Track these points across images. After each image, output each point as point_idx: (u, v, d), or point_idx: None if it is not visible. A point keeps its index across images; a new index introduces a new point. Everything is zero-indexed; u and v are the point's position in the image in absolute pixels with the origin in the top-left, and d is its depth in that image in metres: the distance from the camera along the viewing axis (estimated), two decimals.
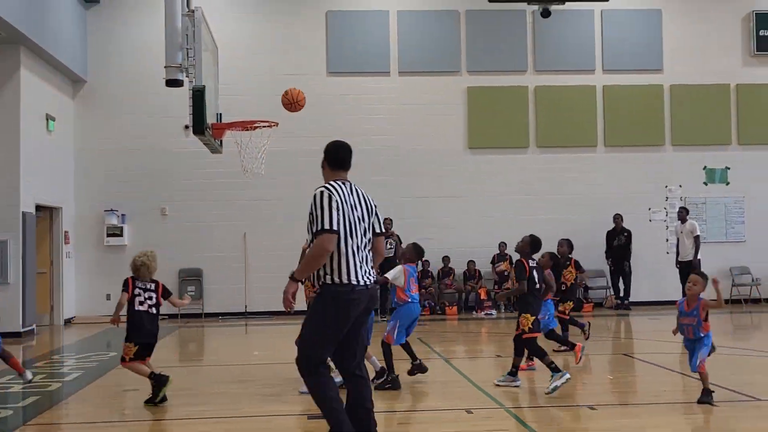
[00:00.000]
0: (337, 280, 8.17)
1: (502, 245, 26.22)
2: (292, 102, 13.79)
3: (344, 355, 8.49)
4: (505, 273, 25.86)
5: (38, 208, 23.72)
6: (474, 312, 26.46)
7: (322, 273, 8.22)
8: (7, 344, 20.34)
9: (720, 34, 29.03)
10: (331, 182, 8.45)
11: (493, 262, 26.84)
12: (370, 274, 8.39)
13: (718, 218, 28.66)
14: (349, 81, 27.85)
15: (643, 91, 28.57)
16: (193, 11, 15.93)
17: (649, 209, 28.45)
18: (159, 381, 11.61)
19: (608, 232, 27.44)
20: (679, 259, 26.19)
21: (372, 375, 12.97)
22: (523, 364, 14.12)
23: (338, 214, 8.13)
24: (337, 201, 8.17)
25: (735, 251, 28.53)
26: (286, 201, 26.23)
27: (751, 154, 28.71)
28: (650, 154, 28.54)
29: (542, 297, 13.86)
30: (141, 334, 11.77)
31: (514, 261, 14.36)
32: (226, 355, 18.38)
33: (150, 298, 11.85)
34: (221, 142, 18.14)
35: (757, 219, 28.58)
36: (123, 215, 26.89)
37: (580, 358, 14.45)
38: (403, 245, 24.93)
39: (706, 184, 28.73)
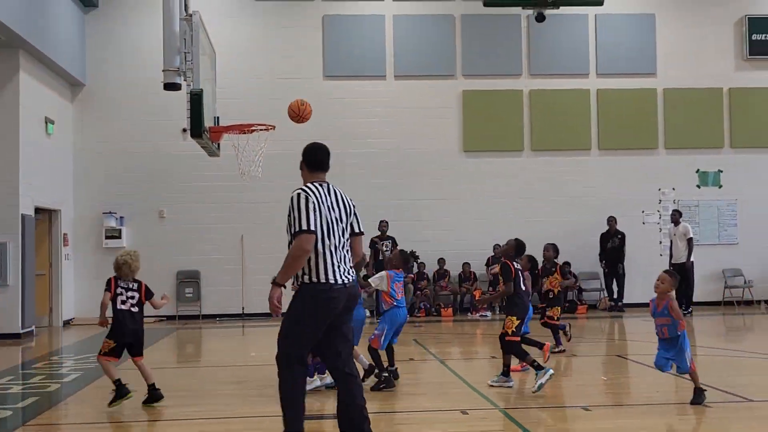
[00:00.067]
0: (315, 279, 8.34)
1: (497, 247, 26.29)
2: (298, 115, 13.86)
3: (327, 354, 8.67)
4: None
5: (37, 210, 23.84)
6: (469, 314, 26.54)
7: (300, 273, 8.38)
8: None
9: (713, 39, 29.17)
10: (308, 184, 8.63)
11: (488, 264, 26.94)
12: (348, 273, 8.54)
13: (710, 221, 28.80)
14: (345, 84, 27.99)
15: (636, 95, 28.72)
16: (191, 15, 15.96)
17: (643, 212, 28.59)
18: (120, 392, 11.54)
19: (602, 234, 27.57)
20: (672, 262, 26.26)
21: (361, 374, 13.22)
22: (517, 365, 14.28)
23: (315, 215, 8.31)
24: (314, 202, 8.36)
25: (727, 254, 28.68)
26: (283, 203, 25.90)
27: (744, 158, 28.87)
28: (644, 157, 28.69)
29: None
30: (121, 332, 11.78)
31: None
32: (224, 357, 18.47)
33: (132, 297, 11.90)
34: (219, 145, 18.19)
35: (750, 222, 28.74)
36: (121, 217, 27.01)
37: (548, 357, 14.60)
38: (399, 247, 25.19)
39: (699, 187, 28.87)
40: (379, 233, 26.26)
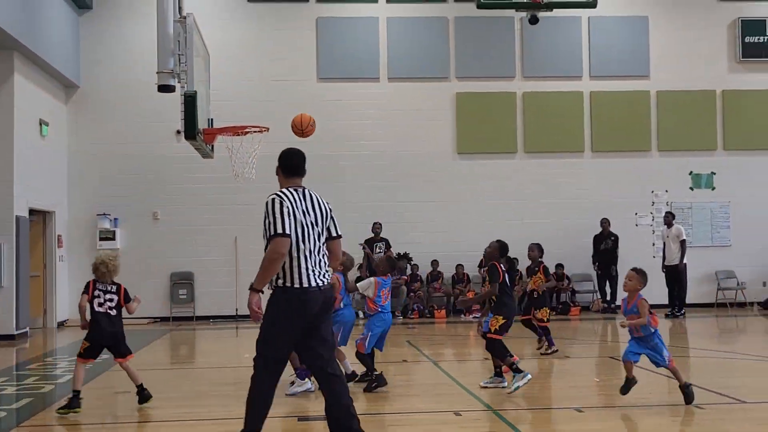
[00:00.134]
0: (289, 283, 8.37)
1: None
2: (302, 130, 13.89)
3: (308, 356, 8.71)
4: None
5: (32, 212, 23.86)
6: (462, 315, 26.54)
7: (275, 277, 8.41)
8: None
9: (706, 41, 29.25)
10: (283, 189, 8.65)
11: (480, 266, 26.92)
12: (324, 277, 8.56)
13: (703, 223, 28.87)
14: (339, 86, 28.02)
15: (629, 97, 28.79)
16: (185, 17, 15.99)
17: (636, 214, 28.65)
18: (72, 403, 11.48)
19: (595, 236, 27.63)
20: (666, 264, 26.33)
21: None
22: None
23: (290, 220, 8.33)
24: (288, 207, 8.37)
25: (720, 256, 28.75)
26: None
27: (737, 160, 28.94)
28: (637, 159, 28.75)
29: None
30: (97, 334, 11.75)
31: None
32: (217, 358, 18.50)
33: (111, 300, 11.82)
34: (212, 147, 18.21)
35: (743, 224, 28.81)
36: (115, 219, 27.03)
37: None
38: (392, 249, 25.23)
39: (692, 189, 28.94)
40: (372, 235, 26.30)
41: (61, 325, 25.62)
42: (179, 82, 15.80)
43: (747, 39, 29.18)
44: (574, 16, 28.53)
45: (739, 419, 10.87)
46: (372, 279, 13.52)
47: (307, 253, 8.44)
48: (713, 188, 28.99)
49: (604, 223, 27.52)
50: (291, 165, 8.93)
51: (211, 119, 18.24)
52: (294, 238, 8.36)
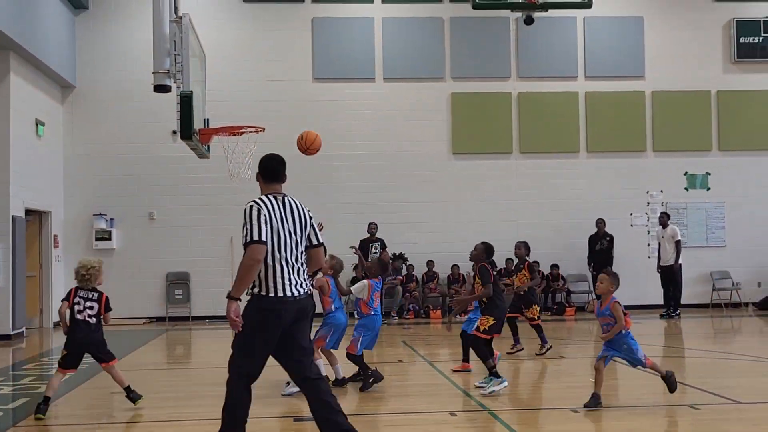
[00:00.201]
0: (264, 292, 8.36)
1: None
2: (306, 148, 13.91)
3: (287, 364, 8.72)
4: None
5: (28, 212, 23.86)
6: (458, 316, 26.53)
7: (251, 285, 8.42)
8: None
9: (701, 42, 29.29)
10: (262, 196, 8.63)
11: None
12: (301, 286, 8.54)
13: (698, 223, 28.91)
14: (334, 87, 28.04)
15: (625, 98, 28.83)
16: (180, 17, 15.98)
17: (631, 214, 28.69)
18: (38, 407, 11.38)
19: (590, 236, 27.64)
20: (661, 264, 26.37)
21: (332, 380, 13.35)
22: (458, 365, 14.58)
23: (266, 227, 8.32)
24: (265, 215, 8.37)
25: (715, 256, 28.80)
26: None
27: (732, 160, 28.99)
28: (632, 159, 28.79)
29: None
30: (75, 342, 11.67)
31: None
32: (213, 358, 18.47)
33: (91, 308, 11.67)
34: (208, 147, 18.22)
35: (737, 224, 28.86)
36: (111, 219, 27.04)
37: (458, 371, 14.77)
38: (388, 249, 25.24)
39: (687, 189, 28.98)
40: (368, 235, 26.31)
41: (57, 325, 25.56)
42: (175, 82, 15.79)
43: (742, 39, 29.22)
44: (570, 16, 28.57)
45: (734, 419, 10.89)
46: (366, 282, 13.57)
47: (284, 262, 8.43)
48: (708, 189, 29.02)
49: (600, 223, 27.54)
50: (270, 171, 8.91)
51: (207, 119, 18.25)
52: (270, 246, 8.36)
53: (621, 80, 28.89)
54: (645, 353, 11.59)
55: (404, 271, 27.29)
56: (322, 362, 13.37)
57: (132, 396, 11.86)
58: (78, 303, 11.67)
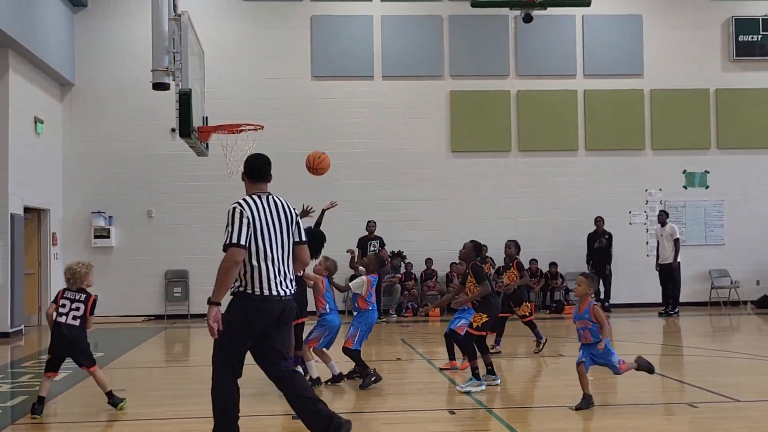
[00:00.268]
0: (249, 290, 8.44)
1: (483, 248, 26.24)
2: (313, 167, 13.92)
3: (262, 364, 8.76)
4: (488, 275, 26.01)
5: (26, 209, 23.88)
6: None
7: (236, 283, 8.49)
8: None
9: (700, 40, 29.30)
10: (246, 197, 8.72)
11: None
12: (286, 287, 8.62)
13: (697, 221, 28.92)
14: (333, 85, 28.06)
15: (623, 96, 28.83)
16: (179, 15, 15.95)
17: (630, 212, 28.70)
18: (33, 408, 11.35)
19: (589, 234, 27.64)
20: (659, 262, 26.36)
21: (328, 377, 13.50)
22: (447, 363, 14.78)
23: (247, 229, 8.38)
24: (247, 216, 8.45)
25: (714, 254, 28.81)
26: None
27: (730, 158, 29.01)
28: (631, 158, 28.80)
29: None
30: (56, 345, 11.64)
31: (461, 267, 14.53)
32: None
33: (77, 309, 11.61)
34: (207, 145, 18.22)
35: (736, 222, 28.88)
36: (110, 217, 27.04)
37: (448, 370, 14.81)
38: (386, 247, 25.23)
39: (685, 187, 28.99)
40: (366, 233, 26.31)
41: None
42: (174, 79, 15.77)
43: (741, 38, 29.24)
44: (569, 14, 28.61)
45: (732, 417, 10.87)
46: (365, 278, 13.66)
47: (269, 261, 8.50)
48: (707, 187, 29.03)
49: (598, 221, 27.54)
50: (255, 171, 9.01)
51: (206, 117, 18.25)
52: (254, 246, 8.43)
53: (620, 78, 28.89)
54: (621, 359, 11.48)
55: (403, 269, 27.29)
56: (314, 363, 13.43)
57: (113, 401, 11.74)
58: (63, 305, 11.62)
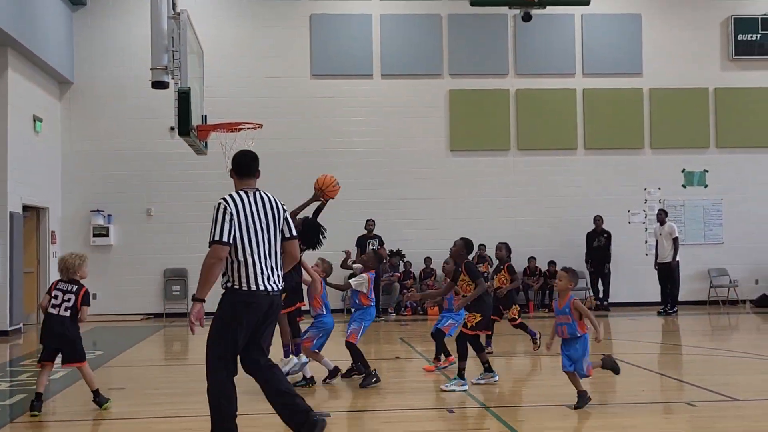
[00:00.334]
0: (237, 285, 8.49)
1: (482, 247, 26.27)
2: (321, 189, 13.91)
3: (246, 361, 8.79)
4: (485, 274, 26.01)
5: (25, 208, 23.86)
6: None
7: (224, 279, 8.55)
8: None
9: (699, 39, 29.30)
10: (233, 193, 8.73)
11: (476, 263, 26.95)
12: (274, 282, 8.65)
13: (696, 220, 28.92)
14: (332, 83, 28.04)
15: (622, 95, 28.82)
16: (178, 14, 15.94)
17: (629, 211, 28.70)
18: (32, 404, 11.34)
19: (588, 233, 27.64)
20: (658, 261, 26.36)
21: (325, 375, 13.52)
22: (431, 365, 14.81)
23: (231, 226, 8.42)
24: (231, 212, 8.47)
25: (713, 253, 28.81)
26: None
27: (729, 157, 29.01)
28: (630, 156, 28.80)
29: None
30: (47, 336, 11.61)
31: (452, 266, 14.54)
32: None
33: (68, 300, 11.54)
34: (206, 143, 18.20)
35: (735, 221, 28.87)
36: (109, 216, 27.04)
37: (445, 366, 14.85)
38: (385, 246, 25.23)
39: (684, 186, 28.98)
40: (365, 232, 26.30)
41: None
42: (173, 78, 15.76)
43: (740, 37, 29.24)
44: (568, 13, 28.60)
45: (731, 416, 10.87)
46: (365, 275, 13.67)
47: (256, 257, 8.53)
48: (706, 186, 29.03)
49: (597, 220, 27.54)
50: (244, 166, 9.03)
51: (205, 116, 18.24)
52: (239, 242, 8.47)
53: (619, 77, 28.88)
54: (590, 364, 11.44)
55: (402, 268, 27.29)
56: (327, 360, 13.46)
57: (99, 400, 11.70)
58: (55, 296, 11.57)
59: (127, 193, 27.13)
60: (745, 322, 24.68)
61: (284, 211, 8.91)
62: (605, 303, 27.21)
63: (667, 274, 26.23)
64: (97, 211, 26.92)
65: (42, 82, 25.30)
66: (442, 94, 28.44)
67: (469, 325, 13.05)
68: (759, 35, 29.27)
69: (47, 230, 25.70)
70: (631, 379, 13.64)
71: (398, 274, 27.04)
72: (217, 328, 8.58)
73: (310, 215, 13.60)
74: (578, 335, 11.28)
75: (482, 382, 13.07)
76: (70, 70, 26.81)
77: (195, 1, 25.44)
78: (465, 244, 13.75)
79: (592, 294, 27.77)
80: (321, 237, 13.35)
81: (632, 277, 28.02)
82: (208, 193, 26.27)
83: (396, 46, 28.36)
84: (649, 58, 29.07)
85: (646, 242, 28.49)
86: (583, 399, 11.17)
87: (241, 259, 8.46)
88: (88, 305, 11.79)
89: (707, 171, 29.01)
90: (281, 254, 8.91)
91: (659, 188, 28.87)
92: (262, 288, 8.50)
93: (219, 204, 8.54)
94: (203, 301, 8.48)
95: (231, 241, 8.42)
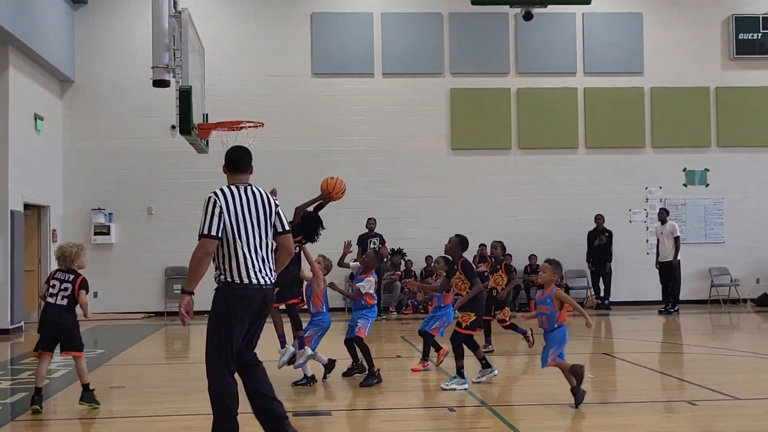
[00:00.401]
0: (229, 279, 8.53)
1: (482, 247, 26.25)
2: (329, 191, 13.97)
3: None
4: (485, 274, 25.99)
5: (26, 206, 23.85)
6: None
7: (217, 273, 8.62)
8: None
9: (700, 38, 29.29)
10: (224, 187, 8.81)
11: (473, 262, 26.93)
12: (266, 276, 8.68)
13: (697, 219, 28.92)
14: (333, 82, 28.05)
15: (623, 94, 28.82)
16: (180, 12, 15.95)
17: (630, 210, 28.70)
18: (34, 400, 11.39)
19: (589, 232, 27.64)
20: (659, 260, 26.37)
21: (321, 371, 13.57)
22: (419, 364, 14.82)
23: (219, 220, 8.50)
24: (220, 206, 8.56)
25: (714, 252, 28.81)
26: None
27: (730, 156, 29.00)
28: (631, 155, 28.79)
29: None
30: (44, 325, 11.65)
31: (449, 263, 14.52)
32: None
33: (65, 289, 11.61)
34: (207, 142, 18.19)
35: (736, 220, 28.86)
36: (110, 214, 27.05)
37: (441, 361, 14.85)
38: (387, 245, 25.24)
39: (685, 185, 28.98)
40: (366, 230, 26.30)
41: None
42: (174, 76, 15.76)
43: (741, 36, 29.23)
44: (569, 12, 28.58)
45: (732, 415, 10.85)
46: (372, 278, 13.70)
47: (247, 250, 8.57)
48: (707, 185, 29.03)
49: (599, 219, 27.54)
50: (236, 162, 9.07)
51: (206, 114, 18.23)
52: (231, 236, 8.53)
53: (620, 76, 28.88)
54: (553, 360, 11.43)
55: (403, 267, 27.30)
56: (321, 355, 13.48)
57: (86, 395, 11.66)
58: (53, 285, 11.65)
59: (128, 191, 27.14)
60: (746, 321, 24.68)
61: (276, 206, 8.93)
62: (606, 302, 27.23)
63: (668, 273, 26.24)
64: (98, 209, 26.93)
65: (43, 81, 25.30)
66: (443, 92, 28.44)
67: (463, 324, 13.05)
68: (760, 34, 29.27)
69: (48, 229, 25.70)
70: (631, 378, 13.65)
71: (399, 273, 27.05)
72: (213, 324, 8.65)
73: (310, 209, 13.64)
74: (555, 326, 11.28)
75: (483, 379, 13.08)
76: (71, 69, 26.81)
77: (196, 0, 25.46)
78: (460, 241, 13.80)
79: (593, 293, 27.78)
80: (320, 230, 13.43)
81: (633, 276, 28.02)
82: (209, 191, 26.35)
83: (397, 44, 28.35)
84: (650, 57, 29.07)
85: (647, 241, 28.48)
86: (579, 395, 11.18)
87: (233, 252, 8.51)
88: (86, 291, 11.79)
89: (708, 170, 29.00)
90: (276, 249, 8.99)
91: (660, 187, 28.86)
92: (254, 281, 8.53)
93: (209, 198, 8.64)
94: (192, 293, 8.60)
95: (220, 235, 8.48)
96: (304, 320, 13.56)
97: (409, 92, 28.26)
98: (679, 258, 26.16)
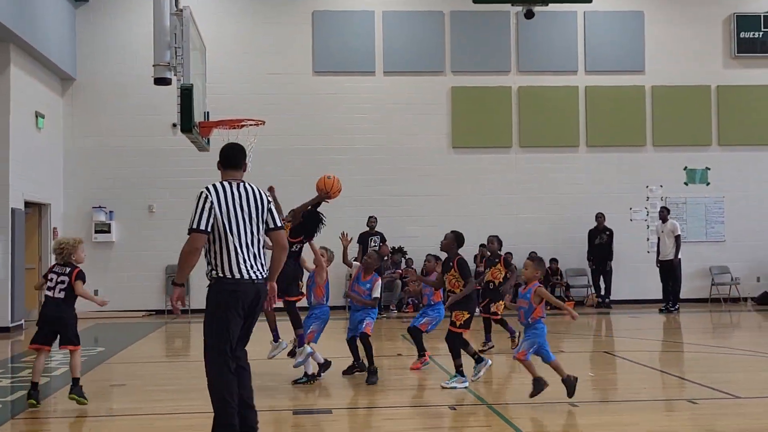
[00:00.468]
0: (221, 274, 8.62)
1: (483, 247, 26.20)
2: (326, 190, 13.99)
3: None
4: (484, 271, 25.99)
5: (27, 204, 23.82)
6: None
7: (209, 269, 8.71)
8: None
9: (701, 36, 29.26)
10: (215, 183, 8.88)
11: (475, 261, 26.94)
12: (258, 271, 8.74)
13: (698, 218, 28.90)
14: (335, 80, 28.02)
15: (625, 92, 28.79)
16: (181, 10, 15.97)
17: (630, 209, 28.67)
18: (30, 395, 11.46)
19: (590, 230, 27.62)
20: (660, 259, 26.36)
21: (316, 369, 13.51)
22: (417, 362, 14.78)
23: (210, 215, 8.56)
24: (211, 201, 8.62)
25: (715, 251, 28.80)
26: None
27: (731, 155, 28.97)
28: (631, 154, 28.77)
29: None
30: (42, 318, 11.74)
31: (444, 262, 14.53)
32: None
33: (62, 282, 11.69)
34: (209, 140, 18.20)
35: (737, 219, 28.84)
36: (111, 212, 27.04)
37: (424, 364, 14.89)
38: (387, 243, 25.24)
39: (686, 184, 28.96)
40: (367, 229, 26.30)
41: None
42: (175, 74, 15.79)
43: (742, 34, 29.21)
44: (570, 10, 28.54)
45: (732, 414, 10.87)
46: (379, 281, 13.82)
47: (237, 246, 8.64)
48: (708, 183, 29.01)
49: (599, 217, 27.53)
50: (230, 158, 9.16)
51: (207, 112, 18.25)
52: (222, 231, 8.60)
53: (621, 75, 28.86)
54: (525, 350, 11.43)
55: (403, 265, 27.28)
56: (319, 354, 13.49)
57: (75, 390, 11.64)
58: (51, 279, 11.75)
59: (129, 189, 27.13)
60: (747, 320, 24.68)
61: (269, 202, 8.99)
62: (607, 300, 27.23)
63: (669, 271, 26.24)
64: (99, 207, 26.93)
65: (44, 79, 25.29)
66: (445, 91, 28.43)
67: (457, 323, 13.04)
68: (761, 33, 29.25)
69: (49, 226, 25.69)
70: (632, 377, 13.65)
71: (400, 272, 27.03)
72: (208, 321, 8.71)
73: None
74: (530, 321, 11.32)
75: (481, 373, 13.08)
76: (72, 67, 26.81)
77: None
78: (456, 238, 13.84)
79: (593, 291, 27.78)
80: (320, 226, 13.49)
81: (634, 274, 28.01)
82: None
83: (398, 43, 28.34)
84: (651, 55, 29.05)
85: (647, 240, 28.47)
86: (570, 385, 11.23)
87: (224, 248, 8.59)
88: (83, 281, 11.86)
89: (709, 168, 28.99)
90: (270, 245, 9.07)
91: (661, 186, 28.84)
92: (246, 276, 8.60)
93: (201, 193, 8.69)
94: (182, 285, 8.79)
95: (209, 230, 8.55)
96: (303, 315, 13.56)
97: (411, 90, 28.25)
98: (679, 256, 26.16)
